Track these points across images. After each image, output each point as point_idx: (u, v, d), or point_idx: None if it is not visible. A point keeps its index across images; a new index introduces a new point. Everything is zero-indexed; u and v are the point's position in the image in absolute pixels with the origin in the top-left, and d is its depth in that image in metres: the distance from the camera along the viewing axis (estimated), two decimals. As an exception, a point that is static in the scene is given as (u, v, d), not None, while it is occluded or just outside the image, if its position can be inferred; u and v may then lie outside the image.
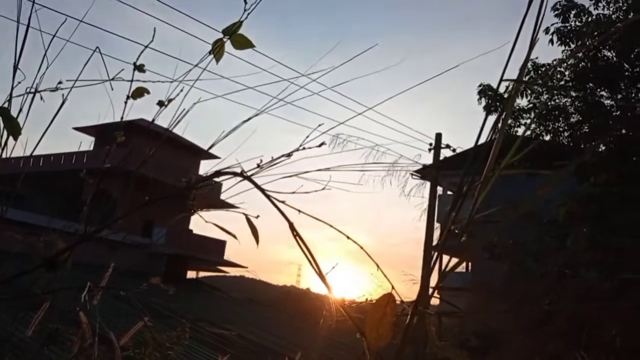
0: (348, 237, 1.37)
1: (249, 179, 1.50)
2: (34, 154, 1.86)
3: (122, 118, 1.89)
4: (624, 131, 10.52)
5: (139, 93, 1.80)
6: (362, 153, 15.16)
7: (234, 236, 1.63)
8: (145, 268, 17.09)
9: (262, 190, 1.43)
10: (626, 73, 10.56)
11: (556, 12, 10.89)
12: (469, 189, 1.18)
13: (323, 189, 1.64)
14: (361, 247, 1.34)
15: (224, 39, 1.59)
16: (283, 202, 1.41)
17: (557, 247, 10.31)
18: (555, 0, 10.92)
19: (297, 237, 1.29)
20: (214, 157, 29.23)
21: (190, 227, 29.73)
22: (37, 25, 1.68)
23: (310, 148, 1.60)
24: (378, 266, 1.29)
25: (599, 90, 10.84)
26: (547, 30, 10.97)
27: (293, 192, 1.55)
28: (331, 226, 1.42)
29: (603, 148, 10.21)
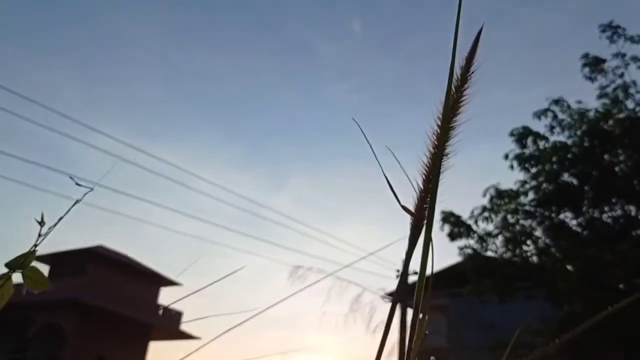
0: None
1: None
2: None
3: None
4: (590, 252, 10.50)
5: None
6: (324, 287, 14.41)
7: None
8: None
9: None
10: (587, 195, 10.77)
11: (513, 138, 11.26)
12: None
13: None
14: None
15: (9, 273, 1.17)
16: None
17: None
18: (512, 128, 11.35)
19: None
20: (175, 283, 28.28)
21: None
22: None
23: None
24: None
25: (562, 211, 10.98)
26: (506, 156, 11.24)
27: None
28: None
29: (573, 270, 10.10)
